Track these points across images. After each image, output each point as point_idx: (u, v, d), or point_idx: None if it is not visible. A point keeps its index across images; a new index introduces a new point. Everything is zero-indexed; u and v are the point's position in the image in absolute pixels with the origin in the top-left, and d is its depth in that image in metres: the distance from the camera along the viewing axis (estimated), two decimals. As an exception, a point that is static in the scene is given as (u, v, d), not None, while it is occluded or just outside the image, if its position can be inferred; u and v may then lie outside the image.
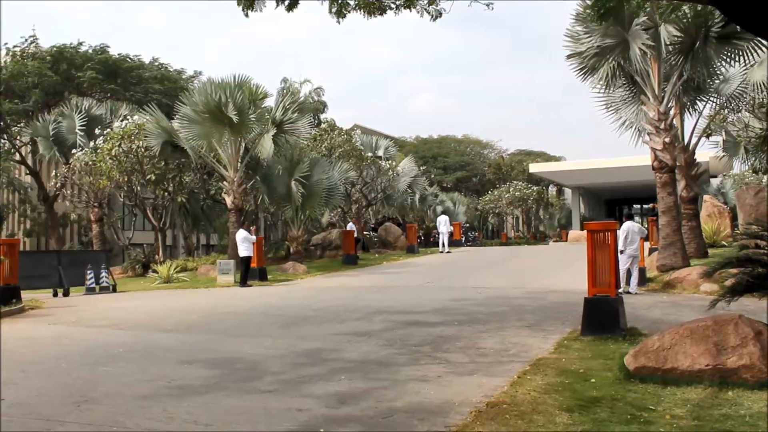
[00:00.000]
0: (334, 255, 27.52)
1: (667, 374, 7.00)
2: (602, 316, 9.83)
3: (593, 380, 7.16)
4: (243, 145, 24.18)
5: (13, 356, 9.65)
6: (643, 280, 16.17)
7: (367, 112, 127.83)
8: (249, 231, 21.22)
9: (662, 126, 18.16)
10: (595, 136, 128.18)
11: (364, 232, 33.73)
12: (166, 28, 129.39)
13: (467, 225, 48.42)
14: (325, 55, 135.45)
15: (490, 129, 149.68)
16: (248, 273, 20.27)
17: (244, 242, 20.49)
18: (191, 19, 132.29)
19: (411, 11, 12.14)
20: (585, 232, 11.14)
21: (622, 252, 14.94)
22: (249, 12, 11.01)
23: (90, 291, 20.03)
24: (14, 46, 33.15)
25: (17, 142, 33.69)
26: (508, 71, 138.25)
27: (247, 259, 20.47)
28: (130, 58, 35.80)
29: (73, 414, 6.50)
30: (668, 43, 17.59)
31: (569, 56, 18.92)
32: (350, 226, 27.55)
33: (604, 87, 19.35)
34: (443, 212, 37.09)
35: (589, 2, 14.84)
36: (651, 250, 20.18)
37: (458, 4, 14.45)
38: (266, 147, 23.81)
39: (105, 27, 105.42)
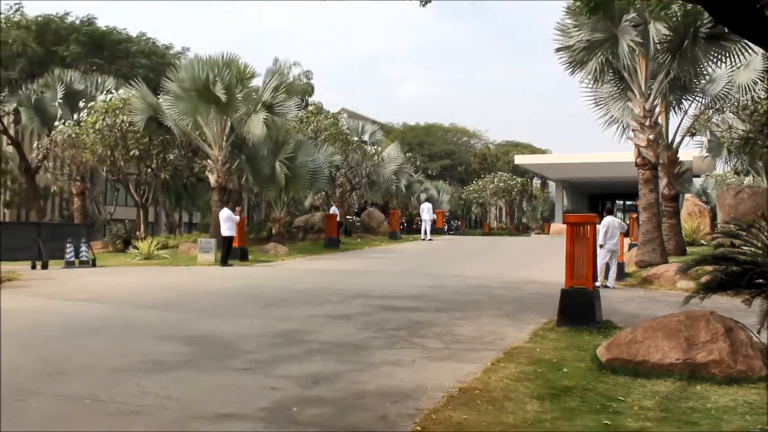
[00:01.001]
0: (316, 238, 27.53)
1: (639, 367, 7.11)
2: (578, 307, 9.94)
3: (565, 370, 7.26)
4: (229, 124, 24.05)
5: (-11, 327, 9.61)
6: (622, 275, 16.35)
7: (355, 97, 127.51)
8: (233, 210, 21.16)
9: (647, 123, 18.30)
10: (581, 131, 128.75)
11: (347, 217, 33.72)
12: (156, 4, 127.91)
13: (449, 213, 48.40)
14: (315, 39, 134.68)
15: (477, 119, 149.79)
16: (230, 253, 20.23)
17: (227, 221, 20.43)
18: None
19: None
20: (563, 221, 11.24)
21: (601, 246, 15.08)
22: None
23: (69, 265, 19.89)
24: (-2, 14, 32.65)
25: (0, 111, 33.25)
26: (498, 63, 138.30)
27: (230, 238, 20.43)
28: (117, 31, 35.38)
29: (46, 385, 6.52)
30: (657, 41, 17.69)
31: (558, 49, 18.98)
32: (333, 209, 27.56)
33: (592, 82, 19.43)
34: (427, 200, 37.13)
35: (580, -4, 14.86)
36: (631, 246, 20.38)
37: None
38: (256, 129, 23.65)
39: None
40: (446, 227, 42.09)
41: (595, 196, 61.62)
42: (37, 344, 8.42)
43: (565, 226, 10.72)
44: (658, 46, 17.97)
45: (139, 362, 7.45)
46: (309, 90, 39.75)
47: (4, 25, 31.72)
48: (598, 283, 14.70)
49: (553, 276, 15.98)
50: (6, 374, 6.83)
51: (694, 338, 7.11)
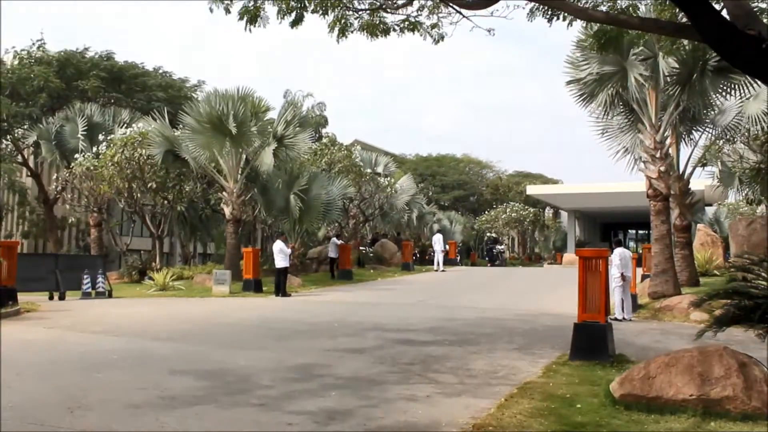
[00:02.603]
0: (329, 269, 27.61)
1: (652, 402, 7.14)
2: (591, 341, 9.97)
3: (579, 406, 7.30)
4: (244, 156, 24.39)
5: (9, 359, 9.76)
6: (635, 306, 16.35)
7: (368, 127, 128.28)
8: (285, 243, 21.45)
9: (658, 155, 18.40)
10: (592, 161, 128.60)
11: (361, 248, 33.84)
12: (171, 36, 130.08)
13: (492, 238, 48.38)
14: (329, 67, 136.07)
15: (490, 149, 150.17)
16: (285, 283, 20.70)
17: (280, 253, 20.77)
18: (195, 27, 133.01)
19: (414, 34, 12.40)
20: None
21: (624, 278, 15.20)
22: (252, 27, 11.21)
23: (86, 296, 20.13)
24: (21, 50, 33.39)
25: (21, 144, 33.86)
26: (514, 90, 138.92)
27: (284, 269, 20.80)
28: (135, 65, 36.04)
29: (66, 419, 6.63)
30: (666, 74, 17.85)
31: (569, 82, 19.21)
32: (334, 240, 27.64)
33: (602, 114, 19.62)
34: (439, 231, 37.22)
35: (590, 31, 15.11)
36: (643, 277, 20.36)
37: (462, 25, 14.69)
38: (266, 160, 24.01)
39: (112, 33, 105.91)
40: (487, 256, 43.95)
41: (608, 225, 61.47)
42: (55, 377, 8.56)
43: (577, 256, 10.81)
44: (668, 79, 18.12)
45: (157, 397, 7.55)
46: (322, 122, 40.14)
47: (27, 62, 32.42)
48: (618, 316, 14.80)
49: (566, 307, 15.99)
50: (26, 407, 6.97)
51: (708, 374, 7.13)
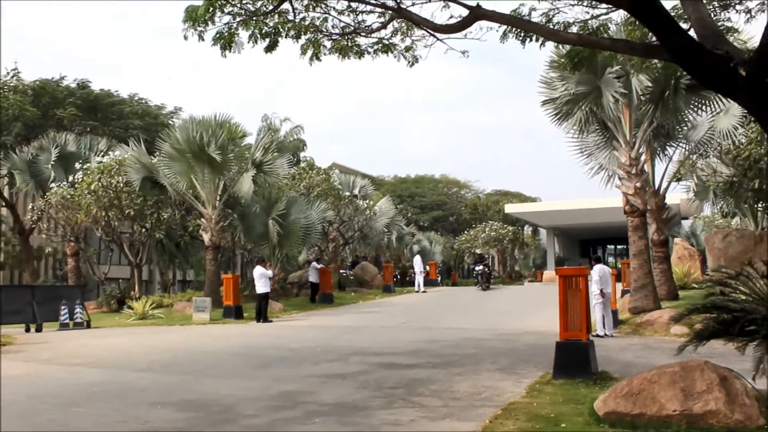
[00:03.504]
0: (310, 293, 27.49)
1: (637, 419, 7.17)
2: (573, 360, 10.01)
3: (564, 425, 7.31)
4: (222, 183, 24.32)
5: (-15, 396, 9.59)
6: (616, 322, 16.44)
7: (346, 150, 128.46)
8: (265, 267, 21.36)
9: (633, 171, 18.64)
10: (570, 178, 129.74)
11: (341, 271, 33.76)
12: (144, 62, 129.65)
13: (477, 256, 38.96)
14: (305, 91, 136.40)
15: (467, 168, 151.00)
16: (266, 309, 20.63)
17: (261, 278, 20.71)
18: (168, 54, 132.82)
19: (388, 56, 12.48)
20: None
21: (603, 295, 15.29)
22: (226, 53, 11.20)
23: (64, 327, 19.88)
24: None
25: (-6, 174, 33.52)
26: (489, 108, 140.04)
27: (265, 295, 20.75)
28: (110, 93, 35.93)
29: (47, 457, 6.51)
30: (640, 92, 18.14)
31: (544, 102, 19.43)
32: (314, 265, 27.59)
33: (577, 132, 19.85)
34: (419, 252, 37.30)
35: (563, 51, 15.32)
36: (623, 292, 20.51)
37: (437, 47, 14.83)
38: (245, 186, 23.98)
39: (86, 62, 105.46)
40: (479, 276, 32.47)
41: (586, 241, 61.85)
42: (34, 413, 8.41)
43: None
44: (642, 97, 18.42)
45: (138, 430, 7.45)
46: (300, 146, 40.18)
47: (1, 90, 32.21)
48: (600, 332, 14.87)
49: (548, 326, 16.01)
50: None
51: (690, 389, 7.18)
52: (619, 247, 62.44)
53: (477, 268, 33.26)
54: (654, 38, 11.60)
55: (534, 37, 11.78)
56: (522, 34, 11.88)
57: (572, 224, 51.57)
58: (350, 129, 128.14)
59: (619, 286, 20.51)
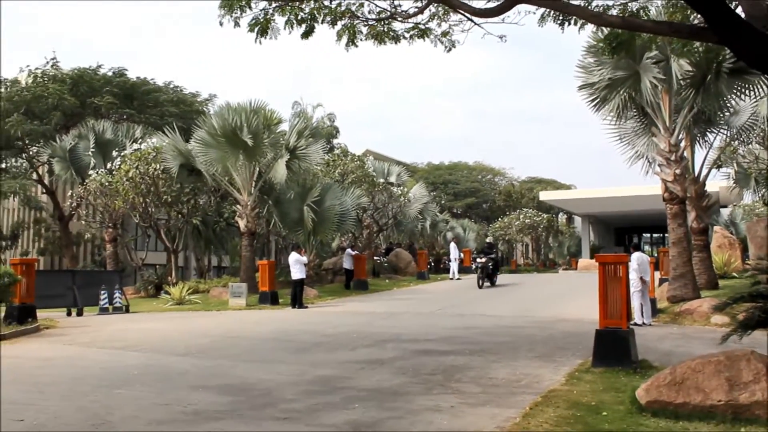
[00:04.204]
0: (344, 279, 27.61)
1: (680, 409, 7.06)
2: (613, 348, 9.89)
3: (605, 413, 7.23)
4: (257, 169, 24.47)
5: (31, 377, 9.82)
6: (654, 311, 16.22)
7: (378, 137, 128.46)
8: (300, 253, 21.50)
9: (673, 158, 18.29)
10: (605, 165, 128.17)
11: (375, 258, 33.81)
12: (178, 50, 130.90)
13: (487, 245, 32.43)
14: (337, 77, 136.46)
15: (501, 155, 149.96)
16: (302, 295, 20.76)
17: (296, 264, 20.82)
18: (201, 40, 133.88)
19: (424, 41, 12.38)
20: (595, 260, 11.25)
21: (644, 282, 15.12)
22: (262, 39, 11.20)
23: (103, 311, 20.22)
24: (36, 68, 33.74)
25: (35, 162, 34.21)
26: (524, 95, 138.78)
27: (301, 281, 20.87)
28: (146, 81, 36.32)
29: (92, 437, 6.62)
30: (680, 76, 17.78)
31: (581, 87, 19.12)
32: (348, 252, 27.66)
33: (615, 118, 19.53)
34: (453, 239, 37.12)
35: (601, 35, 15.07)
36: (661, 281, 20.21)
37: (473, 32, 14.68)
38: (280, 172, 24.07)
39: (123, 49, 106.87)
40: (476, 271, 26.91)
41: (622, 229, 61.14)
42: (78, 394, 8.56)
43: (592, 261, 10.76)
44: (681, 82, 18.05)
45: (180, 412, 7.54)
46: (333, 132, 40.22)
47: (41, 80, 32.76)
48: (638, 321, 14.69)
49: (584, 313, 15.93)
50: (51, 426, 6.98)
51: (736, 379, 7.05)
52: (655, 235, 61.67)
53: (478, 260, 26.61)
54: (697, 20, 11.38)
55: (573, 21, 11.59)
56: (561, 18, 11.71)
57: (607, 212, 50.98)
58: (381, 116, 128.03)
59: (657, 275, 20.21)
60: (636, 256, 15.59)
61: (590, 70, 18.86)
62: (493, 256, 26.91)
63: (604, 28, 11.82)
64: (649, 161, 20.28)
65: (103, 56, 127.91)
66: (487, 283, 26.03)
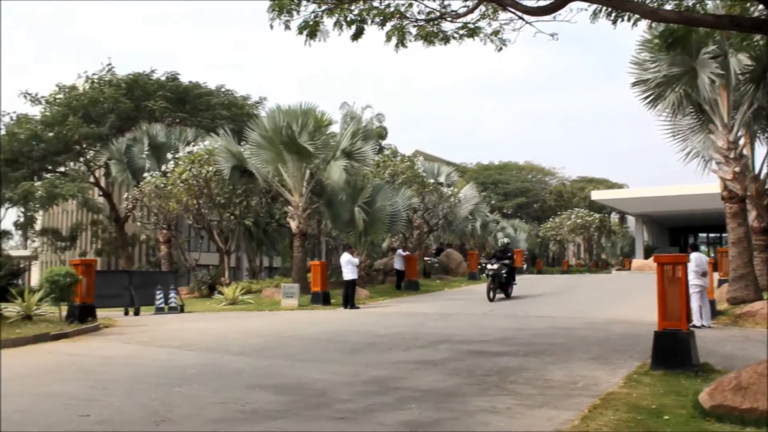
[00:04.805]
0: (395, 280, 27.65)
1: (746, 414, 6.84)
2: (673, 350, 9.66)
3: (667, 417, 7.06)
4: (308, 171, 24.68)
5: (93, 374, 10.07)
6: (713, 313, 15.82)
7: (426, 137, 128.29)
8: (352, 254, 21.66)
9: (732, 155, 17.82)
10: (657, 164, 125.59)
11: (426, 258, 33.79)
12: (222, 53, 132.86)
13: (502, 245, 26.36)
14: (385, 77, 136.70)
15: (552, 155, 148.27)
16: (353, 295, 20.89)
17: (348, 265, 20.99)
18: (247, 45, 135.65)
19: (474, 40, 12.27)
20: (649, 260, 11.03)
21: (704, 274, 14.78)
22: (311, 42, 11.24)
23: (159, 311, 20.64)
24: (92, 74, 34.71)
25: (92, 165, 35.19)
26: (575, 94, 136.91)
27: (352, 281, 21.02)
28: (199, 85, 37.01)
29: (154, 434, 6.76)
30: (738, 71, 17.31)
31: (634, 84, 18.78)
32: (399, 252, 27.70)
33: (670, 115, 19.13)
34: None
35: (656, 31, 14.75)
36: (720, 282, 19.70)
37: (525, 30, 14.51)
38: (334, 174, 24.20)
39: (173, 54, 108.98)
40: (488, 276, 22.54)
41: (676, 229, 59.88)
42: (138, 392, 8.74)
43: (647, 261, 10.56)
44: (740, 77, 17.57)
45: (237, 411, 7.63)
46: (383, 133, 40.35)
47: (97, 85, 33.69)
48: (696, 323, 14.34)
49: (639, 315, 15.65)
50: (116, 422, 7.14)
51: (806, 384, 6.82)
52: (711, 235, 60.17)
53: (489, 267, 22.34)
54: (757, 13, 11.04)
55: (627, 17, 11.36)
56: (614, 14, 11.48)
57: (662, 211, 50.00)
58: (429, 117, 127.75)
59: (716, 276, 19.70)
60: (694, 257, 15.22)
61: (644, 67, 18.51)
62: (507, 261, 22.74)
63: (659, 24, 11.57)
64: (705, 159, 19.81)
65: (155, 62, 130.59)
66: (501, 295, 22.38)
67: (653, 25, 14.50)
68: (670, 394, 8.14)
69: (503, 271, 22.14)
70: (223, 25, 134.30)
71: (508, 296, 22.54)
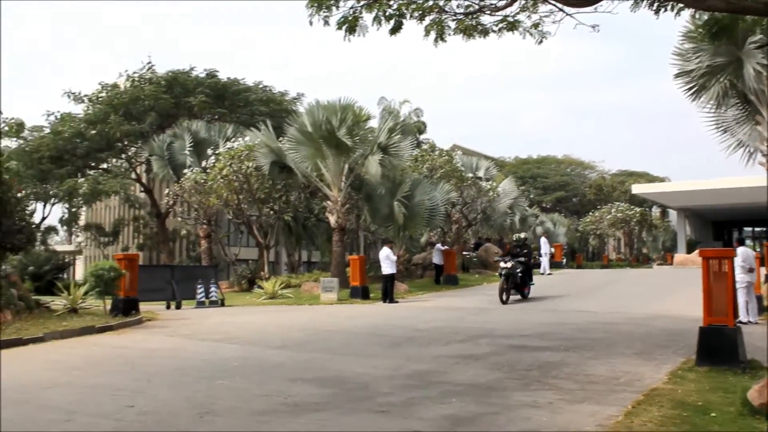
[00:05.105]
0: (434, 274, 27.60)
1: (797, 412, 6.69)
2: (719, 346, 9.48)
3: (713, 414, 6.94)
4: (346, 165, 24.76)
5: (137, 366, 10.26)
6: (760, 308, 15.47)
7: (464, 131, 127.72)
8: (392, 249, 21.72)
9: (779, 147, 17.39)
10: (699, 157, 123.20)
11: (464, 253, 33.67)
12: (264, 51, 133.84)
13: (520, 240, 23.16)
14: (421, 72, 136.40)
15: (591, 149, 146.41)
16: (392, 290, 20.99)
17: (387, 260, 21.10)
18: (280, 39, 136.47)
19: (513, 33, 12.13)
20: (692, 255, 10.84)
21: (751, 270, 14.49)
22: (350, 37, 11.25)
23: (200, 305, 20.94)
24: (133, 72, 35.31)
25: (134, 161, 35.81)
26: (613, 87, 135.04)
27: (391, 276, 21.10)
28: (237, 82, 37.38)
29: (198, 425, 6.86)
30: (787, 61, 16.85)
31: (677, 75, 18.40)
32: (438, 247, 27.64)
33: (714, 107, 18.73)
34: (544, 233, 36.50)
35: (699, 21, 14.46)
36: (767, 278, 19.24)
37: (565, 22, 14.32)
38: (372, 168, 24.23)
39: (212, 52, 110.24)
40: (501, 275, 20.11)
41: (720, 223, 58.59)
42: (182, 384, 8.88)
43: (689, 256, 10.36)
44: (789, 66, 17.10)
45: (280, 403, 7.71)
46: (421, 128, 40.29)
47: (138, 83, 34.26)
48: (743, 319, 14.04)
49: (682, 310, 15.39)
50: (161, 413, 7.27)
51: None
52: (757, 229, 58.79)
53: (502, 265, 19.96)
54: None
55: (670, 6, 11.12)
56: (656, 3, 11.26)
57: (705, 205, 48.94)
58: (466, 112, 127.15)
59: (763, 271, 19.26)
60: (741, 251, 14.90)
61: (687, 57, 18.11)
62: (522, 259, 20.32)
63: (703, 13, 11.32)
64: (750, 151, 19.36)
65: (194, 59, 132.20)
66: (516, 296, 20.18)
67: (697, 14, 14.22)
68: (716, 390, 8.00)
69: (518, 270, 19.93)
70: (254, 24, 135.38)
71: (524, 297, 20.38)
